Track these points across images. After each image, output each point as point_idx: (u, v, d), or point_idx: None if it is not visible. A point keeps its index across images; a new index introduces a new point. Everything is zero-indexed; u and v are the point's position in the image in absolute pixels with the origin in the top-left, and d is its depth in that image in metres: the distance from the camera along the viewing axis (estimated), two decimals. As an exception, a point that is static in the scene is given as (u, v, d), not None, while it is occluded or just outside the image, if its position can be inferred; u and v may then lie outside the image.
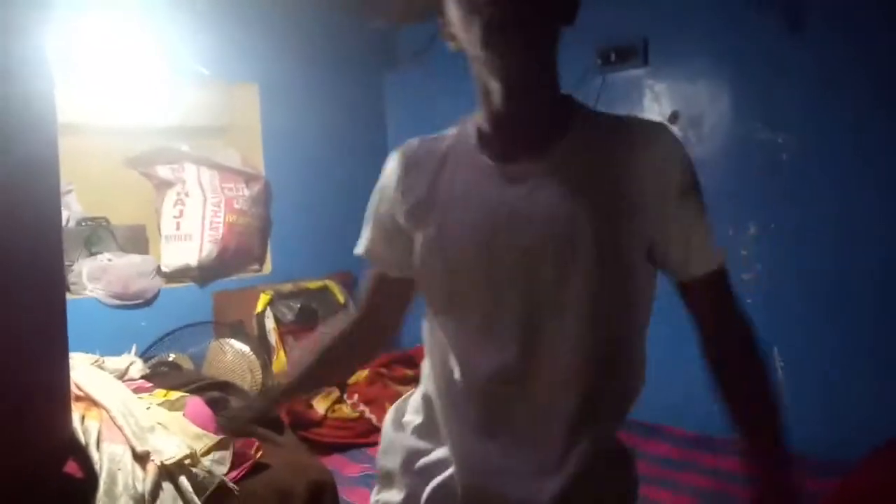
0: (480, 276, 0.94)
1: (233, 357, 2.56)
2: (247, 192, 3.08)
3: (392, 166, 1.08)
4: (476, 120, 0.98)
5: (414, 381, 2.97)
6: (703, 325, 1.08)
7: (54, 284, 1.43)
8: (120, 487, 1.44)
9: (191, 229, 2.90)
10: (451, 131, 1.03)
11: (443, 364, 1.03)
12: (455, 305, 0.99)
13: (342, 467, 2.38)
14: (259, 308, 2.97)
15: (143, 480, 1.48)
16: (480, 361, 0.97)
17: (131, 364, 2.05)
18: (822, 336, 2.37)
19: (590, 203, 0.91)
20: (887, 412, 2.12)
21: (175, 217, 2.91)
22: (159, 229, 2.95)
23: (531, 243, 0.91)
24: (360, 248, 1.14)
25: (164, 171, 2.94)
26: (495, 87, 0.91)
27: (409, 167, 1.04)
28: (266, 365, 2.60)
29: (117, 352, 2.51)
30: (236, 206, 3.00)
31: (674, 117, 2.68)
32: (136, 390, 1.79)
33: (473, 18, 0.85)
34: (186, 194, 2.92)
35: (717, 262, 1.01)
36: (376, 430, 2.64)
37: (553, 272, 0.91)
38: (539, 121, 0.94)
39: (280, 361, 2.93)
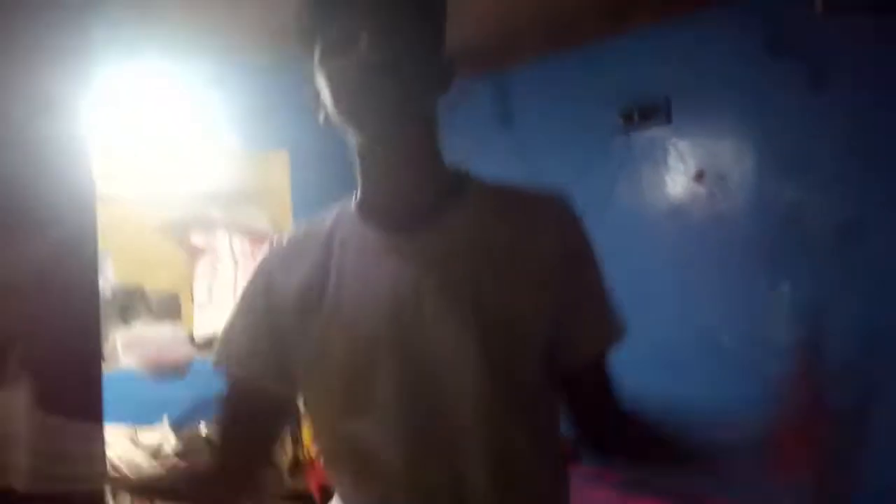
0: (384, 360, 0.84)
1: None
2: (276, 258, 3.12)
3: (267, 257, 0.94)
4: (358, 193, 0.93)
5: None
6: (584, 412, 0.99)
7: (92, 358, 1.44)
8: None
9: (223, 297, 2.93)
10: (333, 209, 0.96)
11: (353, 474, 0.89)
12: (357, 399, 0.85)
13: None
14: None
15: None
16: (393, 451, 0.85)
17: (164, 438, 2.05)
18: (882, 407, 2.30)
19: (488, 275, 0.85)
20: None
21: (207, 285, 2.96)
22: (192, 297, 2.99)
23: (431, 320, 0.83)
24: (219, 358, 0.94)
25: (196, 239, 3.00)
26: (372, 159, 0.89)
27: (289, 255, 0.93)
28: (297, 437, 2.58)
29: (149, 421, 2.52)
30: (266, 271, 3.04)
31: (699, 175, 2.68)
32: (171, 469, 1.79)
33: (342, 91, 0.83)
34: (218, 261, 2.97)
35: (612, 338, 0.98)
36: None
37: (452, 354, 0.83)
38: (426, 191, 0.90)
39: (307, 431, 2.91)
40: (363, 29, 0.79)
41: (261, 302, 0.91)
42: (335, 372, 0.86)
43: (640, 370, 2.93)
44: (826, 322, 2.31)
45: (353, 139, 0.89)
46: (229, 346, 0.94)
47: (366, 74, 0.79)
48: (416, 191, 0.89)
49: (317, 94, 0.88)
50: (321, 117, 0.90)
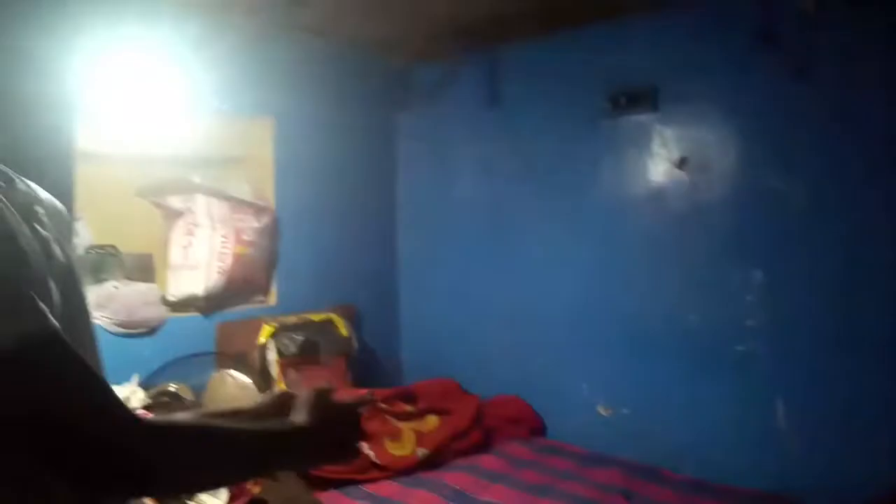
0: None
1: (234, 388, 2.57)
2: (256, 225, 3.10)
3: None
4: None
5: (414, 416, 2.98)
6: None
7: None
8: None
9: (198, 259, 2.92)
10: None
11: None
12: None
13: (338, 503, 2.36)
14: (262, 339, 2.97)
15: (138, 514, 1.48)
16: None
17: (132, 394, 2.05)
18: (828, 384, 2.36)
19: None
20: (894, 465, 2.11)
21: (183, 247, 2.94)
22: (167, 258, 2.98)
23: None
24: None
25: (174, 202, 2.97)
26: None
27: None
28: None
29: (119, 380, 2.52)
30: (245, 238, 3.03)
31: (682, 162, 2.71)
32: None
33: None
34: (196, 225, 2.95)
35: None
36: (374, 466, 2.63)
37: None
38: None
39: (281, 394, 2.93)
40: None
41: None
42: None
43: (609, 342, 3.02)
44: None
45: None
46: None
47: None
48: None
49: None
50: None
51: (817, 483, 2.35)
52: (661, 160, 2.80)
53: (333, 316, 3.30)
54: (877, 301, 2.25)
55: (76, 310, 0.75)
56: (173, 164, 3.03)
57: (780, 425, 2.46)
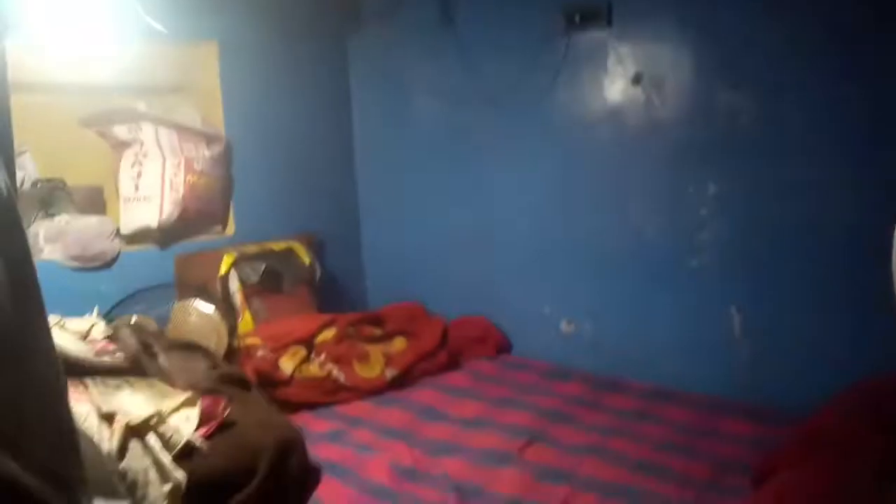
0: None
1: (198, 319, 2.55)
2: (207, 153, 3.02)
3: None
4: None
5: (381, 339, 3.01)
6: None
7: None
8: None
9: (150, 191, 2.84)
10: None
11: None
12: None
13: (310, 424, 2.40)
14: (223, 270, 2.94)
15: (109, 440, 1.48)
16: None
17: (93, 326, 2.02)
18: (779, 293, 2.45)
19: None
20: (846, 365, 2.21)
21: (133, 178, 2.85)
22: (117, 191, 2.89)
23: None
24: None
25: (120, 132, 2.86)
26: None
27: None
28: (232, 326, 2.59)
29: (78, 314, 2.47)
30: (196, 167, 2.95)
31: (637, 78, 2.70)
32: (100, 351, 1.77)
33: None
34: (144, 155, 2.86)
35: None
36: (344, 388, 2.67)
37: None
38: None
39: (246, 322, 2.92)
40: None
41: None
42: None
43: (570, 260, 3.06)
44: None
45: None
46: None
47: None
48: None
49: None
50: None
51: (769, 387, 2.47)
52: (616, 77, 2.78)
53: (294, 244, 3.28)
54: (829, 209, 2.31)
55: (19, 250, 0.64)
56: (117, 92, 2.90)
57: (735, 333, 2.56)
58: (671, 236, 2.69)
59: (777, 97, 2.38)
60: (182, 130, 2.96)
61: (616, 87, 2.78)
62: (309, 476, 1.96)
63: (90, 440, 0.99)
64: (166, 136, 2.91)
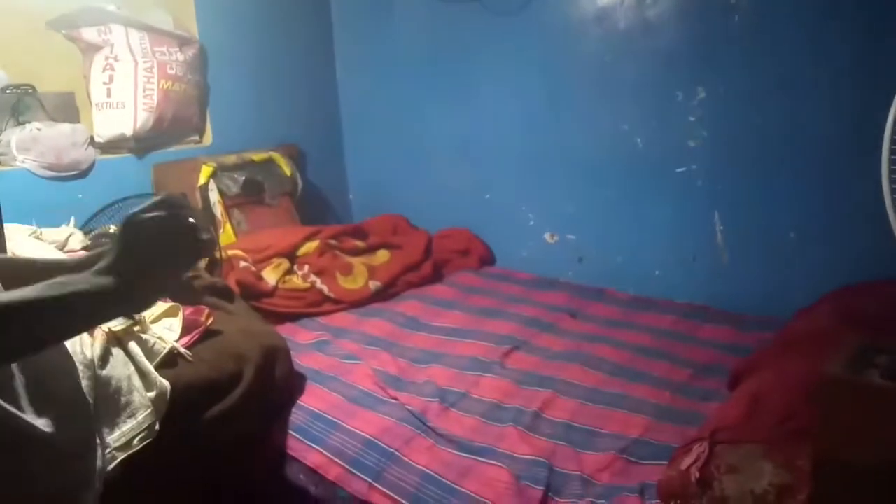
0: None
1: (178, 229, 2.50)
2: (181, 57, 2.90)
3: None
4: None
5: (364, 252, 3.00)
6: None
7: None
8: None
9: (123, 97, 2.73)
10: None
11: None
12: None
13: (294, 335, 2.41)
14: (202, 180, 2.88)
15: (91, 346, 1.47)
16: None
17: (71, 235, 1.98)
18: (762, 201, 2.44)
19: None
20: (825, 274, 2.23)
21: (105, 83, 2.74)
22: (89, 97, 2.78)
23: None
24: None
25: (89, 34, 2.73)
26: None
27: None
28: (213, 237, 2.56)
29: (55, 225, 2.43)
30: (170, 72, 2.84)
31: (628, -22, 2.59)
32: (78, 260, 1.74)
33: None
34: (116, 59, 2.73)
35: None
36: (327, 299, 2.67)
37: None
38: None
39: (227, 234, 2.89)
40: None
41: None
42: None
43: (555, 169, 3.02)
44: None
45: None
46: None
47: None
48: None
49: None
50: None
51: (749, 295, 2.50)
52: (608, -24, 2.67)
53: (275, 155, 3.21)
54: (816, 112, 2.27)
55: None
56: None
57: (717, 241, 2.56)
58: (658, 144, 2.65)
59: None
60: (154, 33, 2.83)
61: (606, -11, 2.68)
62: (293, 382, 1.99)
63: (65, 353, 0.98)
64: (137, 38, 2.78)
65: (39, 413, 0.81)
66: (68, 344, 0.96)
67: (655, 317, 2.47)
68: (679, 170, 2.61)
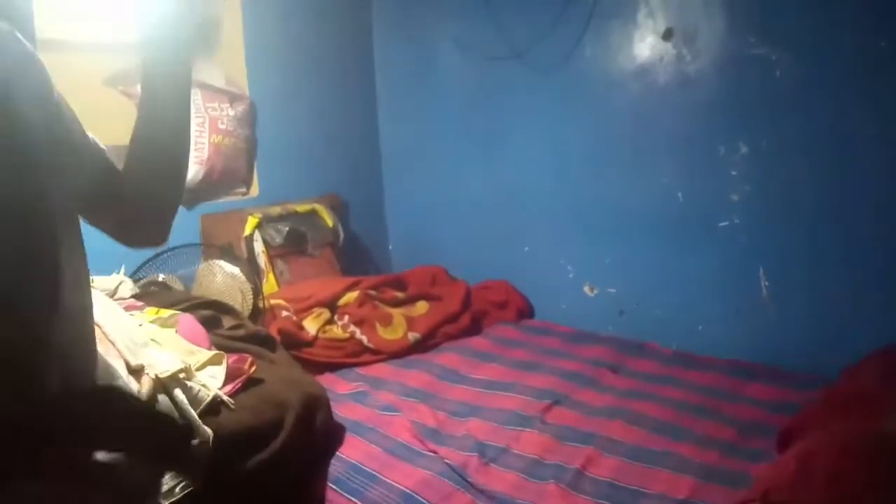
0: None
1: (223, 278, 2.56)
2: (231, 112, 3.01)
3: None
4: None
5: (404, 302, 3.01)
6: None
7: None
8: (116, 399, 1.44)
9: (176, 150, 2.84)
10: None
11: None
12: None
13: (334, 385, 2.42)
14: (247, 231, 2.95)
15: (138, 392, 1.49)
16: None
17: (121, 283, 2.04)
18: (808, 255, 2.40)
19: None
20: (874, 330, 2.17)
21: (159, 137, 2.84)
22: (143, 151, 2.88)
23: None
24: None
25: (145, 91, 2.85)
26: None
27: None
28: (257, 287, 2.60)
29: (106, 272, 2.50)
30: (221, 127, 2.94)
31: (668, 34, 2.63)
32: (127, 308, 1.79)
33: None
34: (169, 114, 2.85)
35: None
36: (367, 350, 2.68)
37: None
38: None
39: (270, 284, 2.94)
40: None
41: None
42: None
43: (594, 222, 3.02)
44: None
45: None
46: None
47: None
48: None
49: None
50: None
51: (796, 351, 2.43)
52: (646, 32, 2.71)
53: (318, 206, 3.27)
54: (861, 171, 2.25)
55: None
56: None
57: (762, 296, 2.52)
58: (700, 197, 2.64)
59: (811, 52, 2.30)
60: (206, 89, 2.95)
61: (646, 43, 2.71)
62: (334, 433, 1.98)
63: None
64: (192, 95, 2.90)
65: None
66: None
67: (699, 373, 2.42)
68: (722, 224, 2.58)
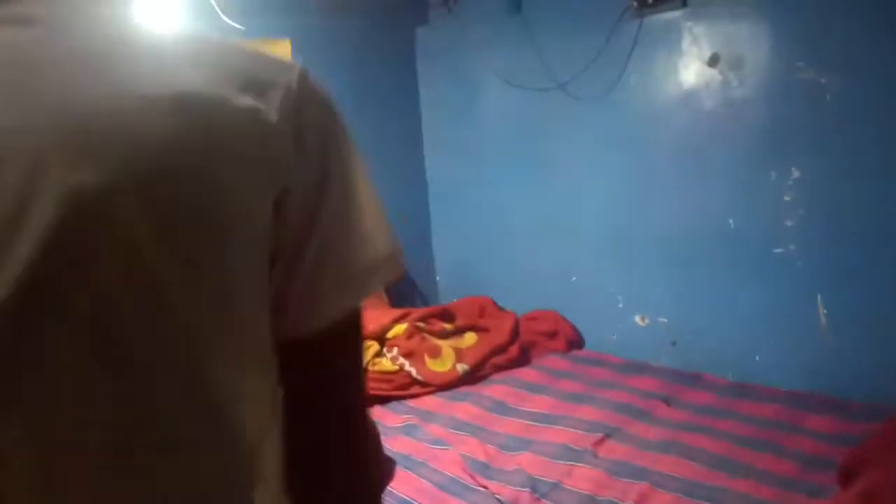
0: None
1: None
2: (281, 151, 3.09)
3: None
4: None
5: (452, 334, 3.01)
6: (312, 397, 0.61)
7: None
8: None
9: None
10: None
11: None
12: None
13: (383, 418, 2.43)
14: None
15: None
16: None
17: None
18: (867, 281, 2.32)
19: None
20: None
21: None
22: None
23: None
24: None
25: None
26: None
27: None
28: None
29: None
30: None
31: (714, 60, 2.60)
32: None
33: None
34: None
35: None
36: (416, 382, 2.69)
37: None
38: None
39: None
40: None
41: None
42: None
43: (644, 251, 2.98)
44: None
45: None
46: None
47: None
48: None
49: None
50: None
51: (856, 381, 2.34)
52: (691, 59, 2.69)
53: (365, 240, 3.32)
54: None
55: None
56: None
57: (820, 325, 2.44)
58: (752, 224, 2.58)
59: (860, 74, 2.24)
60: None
61: (691, 70, 2.69)
62: (384, 468, 1.98)
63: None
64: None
65: None
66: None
67: (756, 405, 2.34)
68: (777, 250, 2.52)
